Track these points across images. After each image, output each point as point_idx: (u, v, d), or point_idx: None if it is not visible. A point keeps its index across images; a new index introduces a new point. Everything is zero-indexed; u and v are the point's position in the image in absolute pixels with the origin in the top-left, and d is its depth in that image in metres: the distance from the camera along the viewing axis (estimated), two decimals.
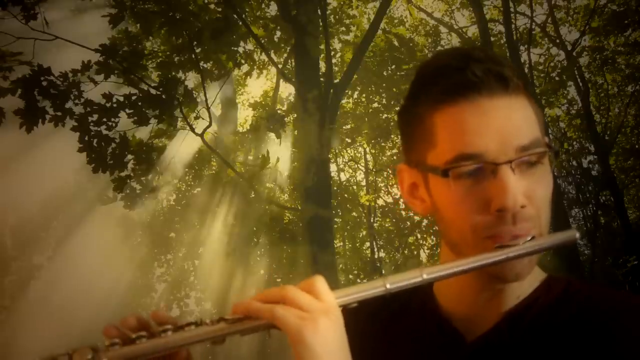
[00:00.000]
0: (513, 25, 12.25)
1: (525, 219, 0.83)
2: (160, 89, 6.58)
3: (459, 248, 0.88)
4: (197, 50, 6.96)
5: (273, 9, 9.29)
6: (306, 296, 0.79)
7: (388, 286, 0.82)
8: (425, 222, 14.36)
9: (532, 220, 0.84)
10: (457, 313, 0.95)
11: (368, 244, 15.85)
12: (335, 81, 8.10)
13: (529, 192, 0.84)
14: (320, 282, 0.81)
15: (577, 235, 0.86)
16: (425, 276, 0.83)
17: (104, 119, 6.45)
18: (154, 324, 0.82)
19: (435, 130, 0.87)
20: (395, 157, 14.56)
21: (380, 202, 15.57)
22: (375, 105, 14.04)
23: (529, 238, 0.83)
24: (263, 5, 9.35)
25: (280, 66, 9.45)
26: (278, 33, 8.68)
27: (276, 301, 0.79)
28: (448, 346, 0.92)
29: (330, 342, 0.75)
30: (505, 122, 0.84)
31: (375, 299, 1.04)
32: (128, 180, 6.97)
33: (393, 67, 13.25)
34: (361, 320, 1.02)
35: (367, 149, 15.64)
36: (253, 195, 9.19)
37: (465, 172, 0.84)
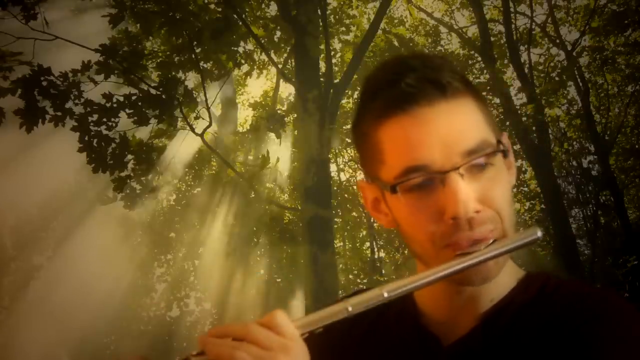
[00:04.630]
0: (513, 25, 12.26)
1: (483, 222, 0.82)
2: (160, 89, 6.58)
3: (423, 259, 0.88)
4: (197, 50, 6.96)
5: (273, 9, 9.30)
6: (266, 333, 0.76)
7: (350, 309, 0.80)
8: None
9: (492, 221, 0.83)
10: (434, 318, 0.94)
11: (368, 244, 15.85)
12: (335, 81, 8.08)
13: (483, 194, 0.83)
14: (279, 316, 0.77)
15: (539, 234, 0.83)
16: (386, 294, 0.81)
17: (104, 119, 6.45)
18: None
19: (382, 147, 0.87)
20: None
21: None
22: None
23: (491, 242, 0.82)
24: (263, 5, 9.34)
25: (280, 66, 9.45)
26: (278, 33, 8.68)
27: (238, 339, 0.75)
28: (425, 351, 0.92)
29: None
30: (448, 129, 0.82)
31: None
32: (128, 180, 6.97)
33: None
34: (338, 327, 1.02)
35: None
36: (253, 195, 9.19)
37: (414, 185, 0.83)
